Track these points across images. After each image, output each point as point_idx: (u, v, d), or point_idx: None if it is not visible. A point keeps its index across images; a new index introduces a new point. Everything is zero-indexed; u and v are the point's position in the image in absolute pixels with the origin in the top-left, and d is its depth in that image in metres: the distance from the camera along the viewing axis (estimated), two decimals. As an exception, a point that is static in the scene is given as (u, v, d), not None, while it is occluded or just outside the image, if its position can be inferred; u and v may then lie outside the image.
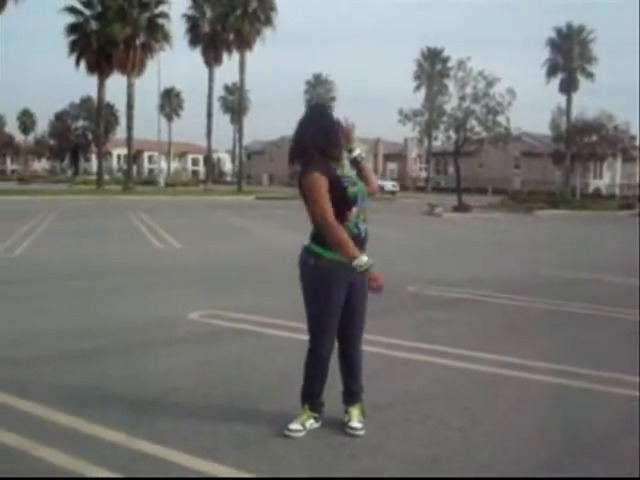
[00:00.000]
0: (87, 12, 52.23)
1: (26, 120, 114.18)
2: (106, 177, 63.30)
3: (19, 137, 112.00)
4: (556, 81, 61.49)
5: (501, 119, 33.82)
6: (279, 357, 6.01)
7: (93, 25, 51.76)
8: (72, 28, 51.94)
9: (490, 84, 33.16)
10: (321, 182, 4.02)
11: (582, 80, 61.08)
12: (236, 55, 57.06)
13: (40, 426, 4.28)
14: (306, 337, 4.29)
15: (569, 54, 60.24)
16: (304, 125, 4.20)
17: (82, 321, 7.39)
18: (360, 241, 4.11)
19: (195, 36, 58.64)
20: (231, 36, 55.98)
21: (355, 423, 4.28)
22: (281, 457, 3.94)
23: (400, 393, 5.20)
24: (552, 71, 61.51)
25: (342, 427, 4.31)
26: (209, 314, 7.60)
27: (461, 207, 33.83)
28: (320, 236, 4.10)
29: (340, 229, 4.00)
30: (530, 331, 7.51)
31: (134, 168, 69.51)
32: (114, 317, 7.57)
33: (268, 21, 55.62)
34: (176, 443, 4.03)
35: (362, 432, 4.24)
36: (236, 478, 3.67)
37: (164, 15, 52.54)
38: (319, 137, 4.11)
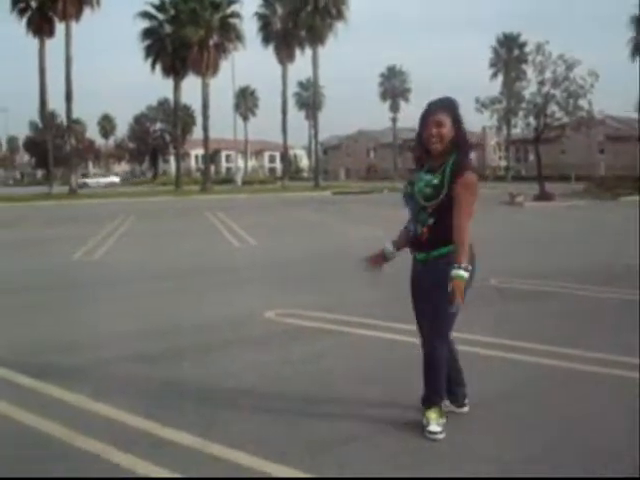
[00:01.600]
0: (161, 16, 53.40)
1: (106, 125, 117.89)
2: (185, 178, 64.45)
3: (99, 141, 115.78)
4: (642, 60, 58.97)
5: (583, 103, 32.62)
6: (359, 357, 5.83)
7: (167, 29, 52.86)
8: (147, 33, 53.19)
9: (570, 67, 32.04)
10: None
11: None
12: (309, 51, 57.26)
13: (115, 430, 4.24)
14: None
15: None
16: (461, 116, 4.10)
17: (159, 321, 7.40)
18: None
19: (267, 34, 59.12)
20: (303, 32, 56.14)
21: (433, 427, 4.07)
22: (356, 461, 3.77)
23: (481, 392, 4.94)
24: (637, 50, 58.93)
25: (422, 430, 4.10)
26: (286, 313, 7.49)
27: (543, 195, 32.85)
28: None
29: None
30: (618, 325, 7.09)
31: (212, 167, 70.67)
32: (190, 317, 7.57)
33: (340, 15, 55.58)
34: (249, 446, 3.91)
35: (441, 436, 4.04)
36: (284, 478, 3.52)
37: (236, 15, 53.19)
38: (466, 134, 4.12)
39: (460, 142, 4.05)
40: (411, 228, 4.13)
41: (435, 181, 4.00)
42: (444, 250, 4.05)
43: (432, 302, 4.09)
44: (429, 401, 4.17)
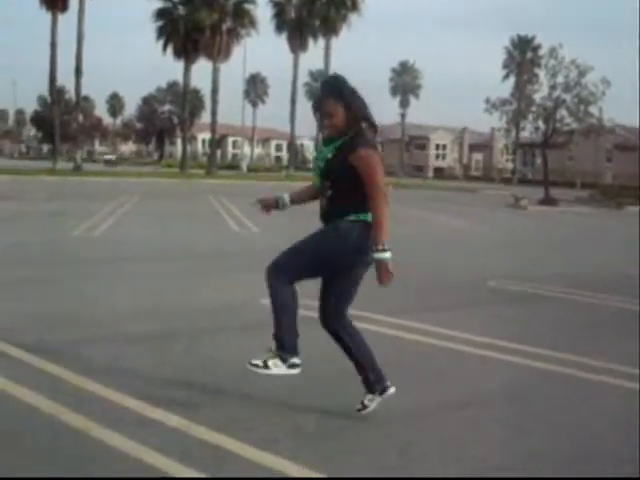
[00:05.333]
0: (175, -2, 53.18)
1: (115, 103, 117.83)
2: (190, 161, 64.39)
3: (107, 120, 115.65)
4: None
5: (593, 110, 32.59)
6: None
7: (181, 11, 52.74)
8: (160, 13, 53.07)
9: (583, 73, 31.98)
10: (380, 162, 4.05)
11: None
12: (321, 41, 57.11)
13: (104, 407, 4.22)
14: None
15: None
16: (351, 91, 4.05)
17: (155, 301, 7.38)
18: None
19: (281, 22, 58.98)
20: (317, 22, 55.99)
21: (256, 360, 4.07)
22: (342, 454, 3.75)
23: (474, 393, 4.93)
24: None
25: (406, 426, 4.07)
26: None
27: (548, 200, 32.81)
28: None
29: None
30: (613, 332, 7.07)
31: (218, 153, 70.58)
32: (185, 300, 7.54)
33: (354, 7, 55.46)
34: (236, 432, 3.89)
35: (262, 371, 4.06)
36: (297, 478, 3.50)
37: (250, 1, 53.02)
38: (365, 108, 4.07)
39: (352, 122, 4.01)
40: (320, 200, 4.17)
41: (329, 155, 4.04)
42: (340, 222, 4.00)
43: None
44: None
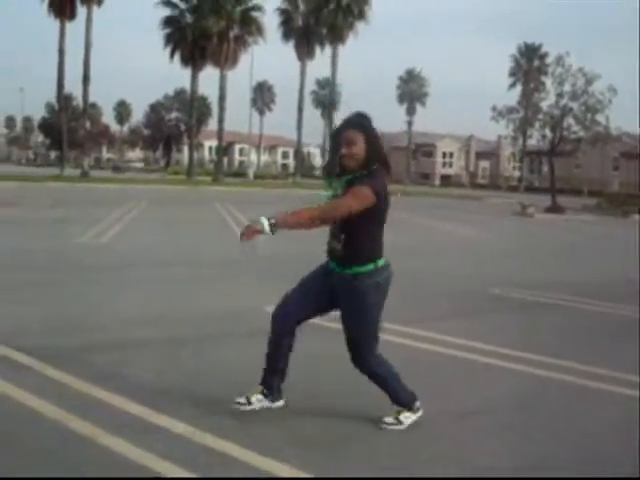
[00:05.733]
0: (182, 5, 53.45)
1: (122, 110, 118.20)
2: (197, 168, 64.53)
3: (114, 127, 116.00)
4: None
5: (600, 118, 32.56)
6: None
7: (188, 18, 52.89)
8: (168, 21, 53.22)
9: (590, 81, 31.95)
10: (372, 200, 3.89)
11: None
12: (328, 49, 57.21)
13: (109, 414, 4.24)
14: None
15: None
16: (374, 129, 4.01)
17: (161, 309, 7.40)
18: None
19: (288, 30, 59.11)
20: (324, 30, 56.10)
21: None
22: (348, 462, 3.76)
23: (480, 400, 4.93)
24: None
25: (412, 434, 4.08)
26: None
27: (554, 208, 32.77)
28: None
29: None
30: (616, 340, 7.06)
31: (224, 160, 70.73)
32: (190, 307, 7.57)
33: (361, 15, 55.56)
34: (241, 439, 3.90)
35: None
36: (299, 478, 3.51)
37: (258, 8, 53.18)
38: (382, 148, 4.08)
39: (371, 160, 3.94)
40: (329, 237, 4.10)
41: (339, 191, 3.99)
42: (355, 270, 4.01)
43: (345, 320, 4.17)
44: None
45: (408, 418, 4.19)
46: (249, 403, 4.25)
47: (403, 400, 4.21)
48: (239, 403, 4.25)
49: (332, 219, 3.95)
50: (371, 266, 3.99)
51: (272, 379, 4.28)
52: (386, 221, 4.07)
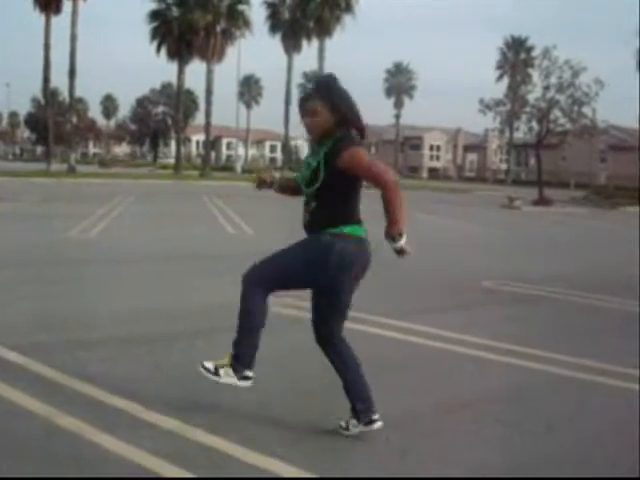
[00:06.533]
0: (169, -1, 53.06)
1: (108, 105, 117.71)
2: (184, 163, 64.33)
3: (101, 122, 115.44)
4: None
5: (587, 110, 32.69)
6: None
7: (174, 12, 52.62)
8: (154, 15, 52.95)
9: (576, 74, 32.05)
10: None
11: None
12: (316, 42, 57.08)
13: (98, 410, 4.20)
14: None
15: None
16: (341, 92, 3.84)
17: (150, 303, 7.36)
18: None
19: (275, 23, 58.94)
20: (311, 23, 55.97)
21: (209, 364, 4.01)
22: (341, 456, 3.74)
23: (472, 394, 4.92)
24: (642, 61, 58.68)
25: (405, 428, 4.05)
26: (281, 302, 7.43)
27: (542, 201, 32.87)
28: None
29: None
30: (610, 333, 7.07)
31: (212, 154, 70.52)
32: (181, 302, 7.52)
33: (348, 8, 55.46)
34: (232, 434, 3.87)
35: (213, 377, 3.97)
36: (300, 478, 3.48)
37: (244, 2, 52.95)
38: (354, 111, 3.86)
39: (341, 123, 3.79)
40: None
41: (314, 164, 3.82)
42: (324, 230, 3.80)
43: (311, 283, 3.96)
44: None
45: (229, 376, 3.92)
46: (216, 374, 3.94)
47: (241, 355, 3.93)
48: (206, 369, 3.96)
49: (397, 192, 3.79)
50: (346, 229, 3.78)
51: (246, 351, 3.94)
52: (361, 192, 3.90)
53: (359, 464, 3.70)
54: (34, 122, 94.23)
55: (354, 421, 3.92)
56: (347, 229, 3.79)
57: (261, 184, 4.33)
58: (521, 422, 4.39)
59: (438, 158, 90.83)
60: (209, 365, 3.95)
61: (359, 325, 6.28)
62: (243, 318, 3.95)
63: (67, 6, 46.88)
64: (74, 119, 52.78)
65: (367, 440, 3.90)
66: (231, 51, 54.55)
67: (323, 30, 55.15)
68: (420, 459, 3.77)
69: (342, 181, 3.76)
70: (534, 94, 33.87)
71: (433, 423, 4.29)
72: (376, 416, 3.91)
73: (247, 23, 52.98)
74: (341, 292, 3.88)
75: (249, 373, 3.93)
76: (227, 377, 3.91)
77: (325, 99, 3.79)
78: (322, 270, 3.79)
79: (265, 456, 3.64)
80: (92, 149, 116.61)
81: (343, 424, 3.95)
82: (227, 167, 69.78)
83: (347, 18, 56.05)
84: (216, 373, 3.92)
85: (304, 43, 58.65)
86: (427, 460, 3.77)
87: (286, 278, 3.94)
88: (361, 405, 3.91)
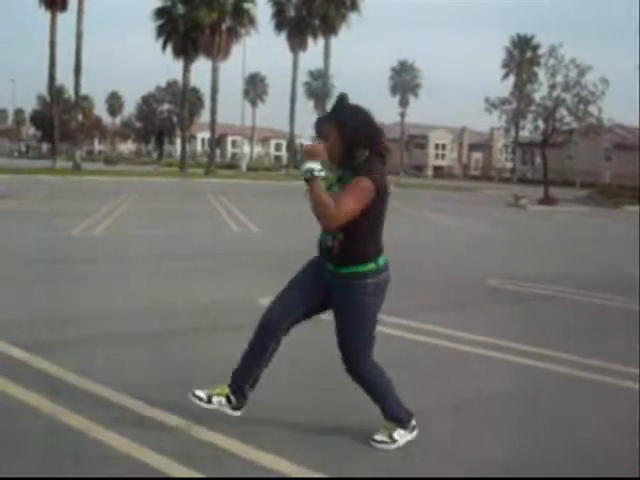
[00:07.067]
0: (174, -3, 53.06)
1: (114, 103, 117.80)
2: (189, 161, 64.37)
3: (107, 119, 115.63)
4: (652, 71, 58.59)
5: (593, 109, 32.55)
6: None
7: (180, 10, 52.65)
8: (159, 12, 52.98)
9: (582, 72, 31.93)
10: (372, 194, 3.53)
11: (680, 70, 58.03)
12: (321, 40, 57.04)
13: (102, 407, 4.20)
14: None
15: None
16: (351, 112, 3.61)
17: (153, 301, 7.36)
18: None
19: (280, 21, 58.89)
20: (316, 21, 55.91)
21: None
22: (343, 455, 3.73)
23: (475, 392, 4.91)
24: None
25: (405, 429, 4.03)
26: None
27: (547, 200, 32.79)
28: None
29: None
30: (614, 333, 7.05)
31: (217, 152, 70.56)
32: (183, 299, 7.52)
33: (354, 6, 55.41)
34: (234, 432, 3.87)
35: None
36: (298, 478, 3.48)
37: (250, 0, 52.87)
38: (368, 131, 3.61)
39: (352, 150, 3.57)
40: (322, 234, 3.73)
41: (336, 189, 3.58)
42: (354, 269, 3.65)
43: (339, 323, 3.81)
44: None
45: (403, 437, 3.84)
46: (209, 401, 3.84)
47: (397, 415, 3.86)
48: (197, 397, 3.84)
49: (332, 224, 3.52)
50: (372, 265, 3.65)
51: (243, 384, 3.86)
52: (386, 215, 3.73)
53: (362, 462, 3.69)
54: (40, 119, 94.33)
55: (401, 431, 3.87)
56: (372, 265, 3.66)
57: (313, 154, 3.56)
58: (523, 421, 4.39)
59: (443, 157, 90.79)
60: (382, 437, 3.84)
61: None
62: (375, 396, 3.88)
63: (73, 4, 46.98)
64: (79, 117, 52.98)
65: (369, 438, 3.90)
66: (236, 49, 54.94)
67: (329, 28, 55.09)
68: (423, 457, 3.77)
69: (364, 211, 3.53)
70: (540, 93, 33.80)
71: (436, 421, 4.27)
72: (414, 422, 3.92)
73: (252, 21, 52.98)
74: (371, 320, 3.79)
75: (414, 422, 3.90)
76: (402, 438, 3.85)
77: (335, 122, 3.59)
78: (378, 308, 3.77)
79: (269, 454, 3.64)
80: (97, 147, 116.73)
81: (386, 439, 3.85)
82: (232, 165, 69.80)
83: (353, 16, 56.04)
84: (392, 440, 3.82)
85: (310, 41, 58.63)
86: (430, 458, 3.76)
87: (370, 340, 3.80)
88: (404, 413, 3.90)
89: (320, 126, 3.69)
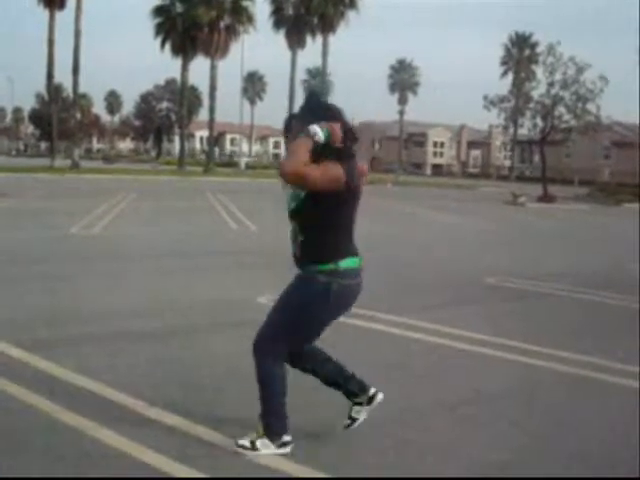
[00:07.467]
0: (173, -5, 53.01)
1: (112, 101, 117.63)
2: (188, 159, 64.32)
3: (105, 117, 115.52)
4: (651, 68, 58.58)
5: (591, 107, 32.55)
6: (345, 346, 5.79)
7: (179, 8, 52.59)
8: (158, 11, 52.94)
9: (580, 70, 31.92)
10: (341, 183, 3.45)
11: (679, 68, 58.01)
12: (319, 38, 56.94)
13: (101, 406, 4.20)
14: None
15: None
16: (309, 109, 3.58)
17: (152, 299, 7.36)
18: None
19: (279, 19, 58.74)
20: (315, 19, 55.82)
21: (244, 441, 3.66)
22: (342, 454, 3.74)
23: (472, 390, 4.91)
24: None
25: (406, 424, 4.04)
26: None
27: (546, 197, 32.80)
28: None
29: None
30: (613, 330, 7.05)
31: (216, 150, 70.48)
32: (182, 298, 7.52)
33: (352, 4, 55.30)
34: (233, 430, 3.86)
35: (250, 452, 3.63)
36: (300, 478, 3.48)
37: (248, -3, 52.79)
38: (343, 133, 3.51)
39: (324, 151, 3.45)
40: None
41: (302, 194, 3.51)
42: (310, 268, 3.55)
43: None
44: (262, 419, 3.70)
45: (267, 447, 3.61)
46: (254, 448, 3.63)
47: (272, 424, 3.64)
48: (242, 446, 3.63)
49: (286, 170, 3.37)
50: (330, 266, 3.50)
51: (274, 421, 3.66)
52: (355, 215, 3.61)
53: (363, 461, 3.69)
54: (38, 118, 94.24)
55: (356, 407, 3.82)
56: (343, 264, 3.53)
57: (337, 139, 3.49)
58: (522, 419, 4.39)
59: (442, 154, 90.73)
60: (244, 442, 3.63)
61: (362, 322, 6.29)
62: (262, 390, 3.69)
63: (71, 2, 46.92)
64: (78, 115, 52.88)
65: (369, 437, 3.90)
66: (235, 47, 54.56)
67: (327, 26, 54.98)
68: (420, 456, 3.77)
69: (327, 207, 3.48)
70: (538, 90, 33.79)
71: (434, 419, 4.28)
72: (373, 389, 3.82)
73: (251, 19, 52.93)
74: (327, 324, 3.72)
75: (287, 438, 3.65)
76: (265, 449, 3.61)
77: (302, 119, 3.54)
78: (322, 312, 3.61)
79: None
80: (96, 145, 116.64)
81: (347, 422, 3.86)
82: (231, 163, 69.75)
83: (351, 14, 55.91)
84: (253, 448, 3.61)
85: (308, 39, 58.50)
86: (427, 457, 3.76)
87: (293, 335, 3.69)
88: (355, 386, 3.81)
89: (289, 123, 3.65)
